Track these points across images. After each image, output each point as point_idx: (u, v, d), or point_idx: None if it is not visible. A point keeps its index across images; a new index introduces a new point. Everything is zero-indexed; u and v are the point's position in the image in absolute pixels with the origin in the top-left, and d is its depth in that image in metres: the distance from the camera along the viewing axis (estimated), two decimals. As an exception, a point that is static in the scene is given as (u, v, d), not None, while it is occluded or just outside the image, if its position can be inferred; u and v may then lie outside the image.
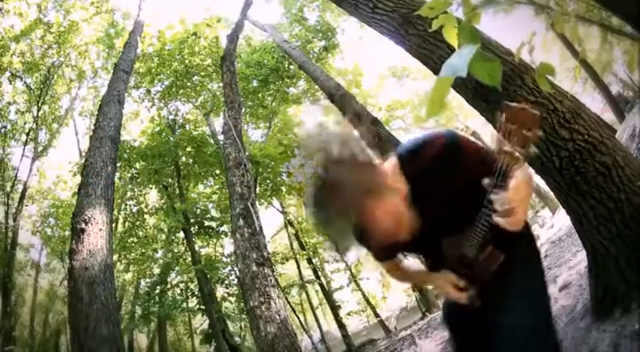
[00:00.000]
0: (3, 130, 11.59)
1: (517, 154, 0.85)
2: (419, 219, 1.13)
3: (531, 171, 1.10)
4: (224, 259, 10.71)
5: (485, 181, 0.95)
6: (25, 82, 11.67)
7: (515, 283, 1.14)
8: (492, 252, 1.17)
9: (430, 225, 1.14)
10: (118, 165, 8.24)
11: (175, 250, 11.58)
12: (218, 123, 11.63)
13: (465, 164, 1.07)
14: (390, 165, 1.11)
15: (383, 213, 1.01)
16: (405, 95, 18.34)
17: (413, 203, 1.10)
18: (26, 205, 12.96)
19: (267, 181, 10.45)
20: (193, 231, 10.37)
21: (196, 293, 10.53)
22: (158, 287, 10.50)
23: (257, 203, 6.20)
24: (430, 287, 1.30)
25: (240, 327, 11.67)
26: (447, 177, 1.08)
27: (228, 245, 12.43)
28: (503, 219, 0.92)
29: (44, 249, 16.28)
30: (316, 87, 9.61)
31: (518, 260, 1.16)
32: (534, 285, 1.17)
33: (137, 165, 10.44)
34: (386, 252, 1.34)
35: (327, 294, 13.73)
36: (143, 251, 11.09)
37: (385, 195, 1.00)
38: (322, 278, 14.68)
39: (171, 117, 11.61)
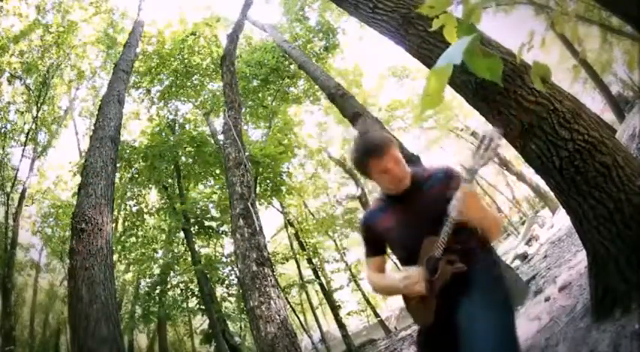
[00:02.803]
0: (3, 130, 11.58)
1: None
2: (406, 217, 1.48)
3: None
4: (224, 259, 10.70)
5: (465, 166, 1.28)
6: (24, 83, 11.67)
7: (478, 297, 1.33)
8: (454, 259, 1.34)
9: (415, 221, 1.45)
10: (118, 165, 8.23)
11: (175, 250, 11.57)
12: (218, 123, 11.63)
13: (451, 179, 1.46)
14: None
15: (397, 160, 1.46)
16: (405, 95, 18.36)
17: (409, 196, 1.49)
18: (26, 205, 12.97)
19: (267, 181, 10.44)
20: (193, 231, 10.36)
21: (196, 293, 10.52)
22: (158, 287, 10.49)
23: (257, 203, 6.19)
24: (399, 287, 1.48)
25: (240, 327, 11.66)
26: (436, 186, 1.47)
27: (228, 245, 12.44)
28: (456, 210, 1.29)
29: (44, 249, 16.30)
30: (316, 87, 9.60)
31: (480, 276, 1.38)
32: (498, 300, 1.35)
33: (137, 165, 10.44)
34: (379, 242, 1.59)
35: (327, 294, 13.73)
36: (143, 251, 11.07)
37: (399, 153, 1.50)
38: (322, 278, 14.67)
39: (171, 117, 11.61)
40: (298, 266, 14.24)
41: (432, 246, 1.36)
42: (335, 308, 13.08)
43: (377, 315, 15.94)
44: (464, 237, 1.38)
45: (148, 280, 11.89)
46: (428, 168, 1.57)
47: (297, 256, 13.99)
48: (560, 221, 9.50)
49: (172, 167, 10.64)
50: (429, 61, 2.64)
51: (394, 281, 1.48)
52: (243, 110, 9.74)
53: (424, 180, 1.50)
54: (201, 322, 14.08)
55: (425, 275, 1.36)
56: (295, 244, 14.67)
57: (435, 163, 1.51)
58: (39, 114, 11.88)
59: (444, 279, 1.35)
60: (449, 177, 1.48)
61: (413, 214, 1.45)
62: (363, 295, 16.05)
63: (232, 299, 10.52)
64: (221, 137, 7.69)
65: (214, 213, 10.75)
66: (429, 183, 1.48)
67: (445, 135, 21.09)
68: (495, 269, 1.46)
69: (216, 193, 10.87)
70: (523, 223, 16.72)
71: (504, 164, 18.58)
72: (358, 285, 16.19)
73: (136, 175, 10.59)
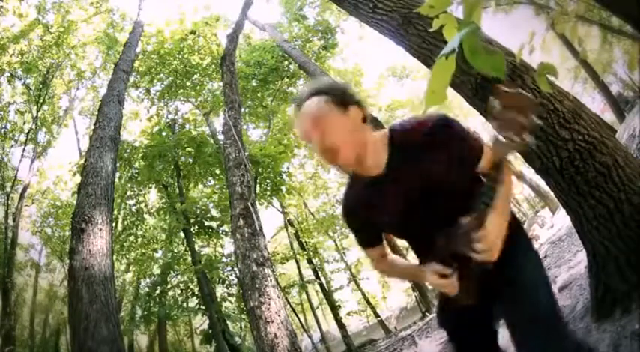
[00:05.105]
0: (3, 130, 11.59)
1: (513, 143, 0.80)
2: (397, 195, 1.15)
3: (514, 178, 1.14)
4: (224, 259, 10.70)
5: (482, 175, 0.96)
6: (24, 83, 11.67)
7: (513, 273, 1.16)
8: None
9: (411, 205, 1.14)
10: (118, 165, 8.23)
11: (175, 250, 11.57)
12: (218, 123, 11.64)
13: (452, 140, 1.10)
14: (379, 133, 1.17)
15: (330, 123, 1.06)
16: (405, 95, 18.37)
17: (392, 173, 1.13)
18: (26, 205, 12.97)
19: (267, 181, 10.44)
20: (193, 231, 10.36)
21: (196, 293, 10.52)
22: (158, 287, 10.50)
23: (257, 203, 6.19)
24: (426, 283, 1.24)
25: (240, 327, 11.65)
26: (431, 152, 1.10)
27: (228, 245, 12.44)
28: (479, 256, 1.00)
29: (44, 249, 16.28)
30: (316, 87, 9.59)
31: (511, 251, 1.13)
32: (533, 272, 1.20)
33: (137, 165, 10.45)
34: (371, 233, 1.30)
35: (327, 294, 13.73)
36: (143, 251, 11.08)
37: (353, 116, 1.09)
38: (322, 278, 14.67)
39: (170, 116, 11.62)
40: (298, 267, 14.24)
41: (448, 241, 1.08)
42: (335, 308, 13.08)
43: (377, 315, 15.94)
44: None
45: (148, 280, 11.90)
46: (413, 123, 1.16)
47: (297, 256, 13.99)
48: (560, 221, 9.50)
49: (172, 167, 10.64)
50: (429, 60, 2.64)
51: (420, 273, 1.20)
52: (243, 110, 9.74)
53: (412, 144, 1.11)
54: (201, 322, 14.08)
55: (449, 269, 1.09)
56: (295, 244, 14.67)
57: (422, 116, 1.14)
58: (39, 114, 11.89)
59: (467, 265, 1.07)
60: (449, 135, 1.10)
61: (408, 196, 1.12)
62: (363, 295, 16.05)
63: (232, 299, 10.52)
64: (221, 137, 7.69)
65: (214, 213, 10.76)
66: (422, 147, 1.10)
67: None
68: (524, 241, 1.24)
69: (216, 193, 10.87)
70: (523, 223, 16.70)
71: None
72: (358, 285, 16.18)
73: (136, 175, 10.60)
